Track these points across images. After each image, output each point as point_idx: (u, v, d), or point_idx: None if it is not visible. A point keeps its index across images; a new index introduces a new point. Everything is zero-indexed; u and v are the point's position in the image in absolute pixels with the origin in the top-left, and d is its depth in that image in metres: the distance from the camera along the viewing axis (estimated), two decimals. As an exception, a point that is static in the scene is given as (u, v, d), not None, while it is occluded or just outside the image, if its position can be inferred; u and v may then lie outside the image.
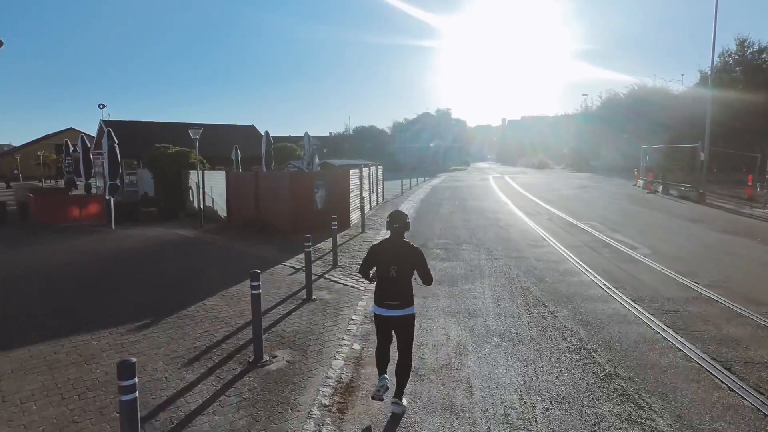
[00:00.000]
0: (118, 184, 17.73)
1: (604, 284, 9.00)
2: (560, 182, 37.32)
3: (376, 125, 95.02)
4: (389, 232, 4.84)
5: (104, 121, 29.96)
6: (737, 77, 44.58)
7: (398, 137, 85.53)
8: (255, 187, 16.58)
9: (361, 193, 18.52)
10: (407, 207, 22.31)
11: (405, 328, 4.72)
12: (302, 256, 11.84)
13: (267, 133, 20.96)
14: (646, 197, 25.04)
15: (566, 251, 11.86)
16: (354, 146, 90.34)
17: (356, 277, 9.82)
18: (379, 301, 4.72)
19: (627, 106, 54.56)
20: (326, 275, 10.06)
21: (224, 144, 29.86)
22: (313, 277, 9.79)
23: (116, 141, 17.45)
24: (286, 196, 15.14)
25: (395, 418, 4.60)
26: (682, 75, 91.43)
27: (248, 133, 35.99)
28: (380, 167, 25.19)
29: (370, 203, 21.20)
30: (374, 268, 4.87)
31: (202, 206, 19.23)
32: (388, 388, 4.76)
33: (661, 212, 19.05)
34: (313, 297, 8.39)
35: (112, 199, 17.53)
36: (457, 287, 9.02)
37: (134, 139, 27.99)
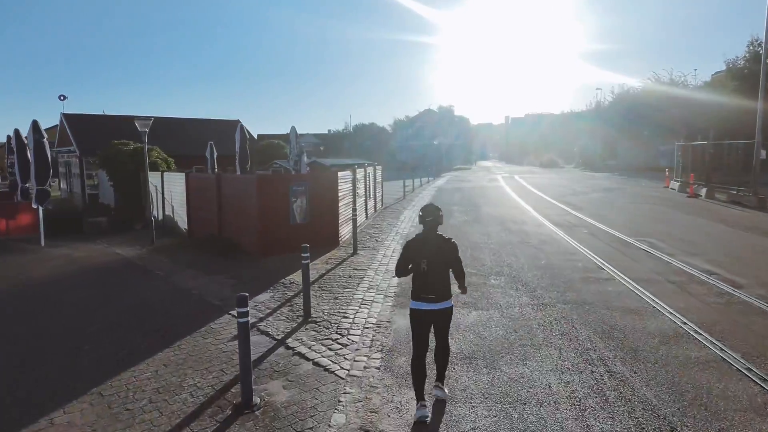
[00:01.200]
0: (48, 189, 14.15)
1: (748, 368, 5.40)
2: (579, 183, 33.66)
3: (376, 122, 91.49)
4: (422, 226, 4.72)
5: (65, 114, 26.36)
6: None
7: (399, 135, 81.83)
8: (217, 194, 13.00)
9: (354, 201, 14.92)
10: (411, 215, 18.70)
11: (442, 322, 4.68)
12: (266, 297, 8.32)
13: (242, 126, 17.38)
14: (690, 202, 21.41)
15: (643, 290, 8.26)
16: (354, 144, 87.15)
17: (338, 345, 6.23)
18: (415, 295, 4.62)
19: (643, 102, 50.74)
20: (290, 339, 6.46)
21: (202, 141, 26.32)
22: (269, 346, 6.22)
23: (45, 136, 13.86)
24: (253, 206, 11.54)
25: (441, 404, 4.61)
26: (695, 70, 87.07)
27: (232, 128, 32.24)
28: (379, 167, 21.61)
29: (366, 211, 17.63)
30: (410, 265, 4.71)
31: (158, 216, 15.69)
32: (428, 421, 4.41)
33: (724, 224, 15.42)
34: (254, 401, 4.79)
35: (41, 209, 13.95)
36: (501, 372, 5.42)
37: (100, 136, 24.36)
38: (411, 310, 4.67)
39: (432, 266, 4.52)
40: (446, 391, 4.82)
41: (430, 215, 4.65)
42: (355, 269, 10.26)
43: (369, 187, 18.43)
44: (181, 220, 15.29)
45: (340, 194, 13.29)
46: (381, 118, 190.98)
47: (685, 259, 10.47)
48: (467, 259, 10.82)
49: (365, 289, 8.77)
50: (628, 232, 13.79)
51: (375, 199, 19.98)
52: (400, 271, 4.72)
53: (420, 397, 4.52)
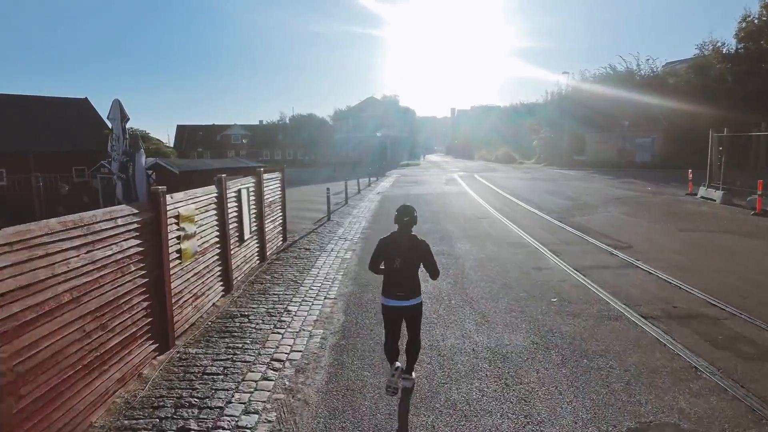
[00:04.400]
0: None
1: None
2: (565, 187, 25.67)
3: (316, 114, 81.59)
4: (397, 225, 4.88)
5: None
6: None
7: (340, 126, 72.22)
8: None
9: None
10: (328, 274, 9.53)
11: (413, 317, 4.90)
12: None
13: None
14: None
15: None
16: (289, 137, 77.52)
17: None
18: (388, 292, 4.83)
19: (605, 91, 44.06)
20: None
21: (25, 126, 15.99)
22: None
23: None
24: None
25: (407, 392, 4.76)
26: (647, 59, 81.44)
27: (72, 110, 21.50)
28: (276, 175, 12.20)
29: (230, 276, 8.25)
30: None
31: None
32: (401, 369, 4.84)
33: None
34: None
35: None
36: None
37: None
38: (382, 305, 4.91)
39: (404, 265, 4.75)
40: (413, 376, 4.96)
41: (407, 215, 4.82)
42: None
43: (244, 222, 9.05)
44: None
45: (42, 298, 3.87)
46: (323, 110, 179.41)
47: None
48: None
49: None
50: None
51: (263, 236, 10.59)
52: (374, 268, 4.94)
53: (393, 361, 4.95)
